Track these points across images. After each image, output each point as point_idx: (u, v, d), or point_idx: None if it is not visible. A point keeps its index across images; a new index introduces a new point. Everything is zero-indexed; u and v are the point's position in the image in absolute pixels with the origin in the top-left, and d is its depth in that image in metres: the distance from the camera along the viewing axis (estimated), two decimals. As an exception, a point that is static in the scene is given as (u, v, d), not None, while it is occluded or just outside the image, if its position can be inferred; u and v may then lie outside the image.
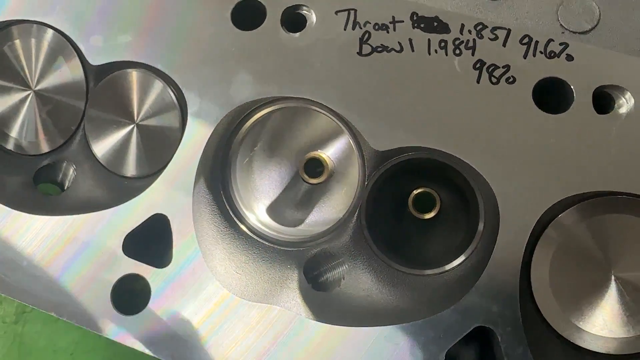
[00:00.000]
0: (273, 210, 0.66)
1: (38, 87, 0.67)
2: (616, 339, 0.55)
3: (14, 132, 0.68)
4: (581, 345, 0.56)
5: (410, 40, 0.60)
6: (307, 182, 0.65)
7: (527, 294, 0.56)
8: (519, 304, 0.53)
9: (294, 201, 0.66)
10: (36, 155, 0.68)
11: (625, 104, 0.57)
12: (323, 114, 0.63)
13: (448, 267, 0.60)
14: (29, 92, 0.68)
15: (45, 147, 0.68)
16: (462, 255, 0.60)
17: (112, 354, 0.86)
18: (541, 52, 0.58)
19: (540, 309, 0.56)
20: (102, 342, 0.87)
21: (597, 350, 0.56)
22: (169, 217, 0.59)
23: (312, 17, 0.62)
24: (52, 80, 0.67)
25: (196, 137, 0.60)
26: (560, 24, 0.60)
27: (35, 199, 0.65)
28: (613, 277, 0.56)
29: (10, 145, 0.69)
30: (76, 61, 0.66)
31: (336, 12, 0.61)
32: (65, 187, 0.68)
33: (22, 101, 0.68)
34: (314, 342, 0.55)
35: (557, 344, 0.56)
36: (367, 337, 0.55)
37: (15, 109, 0.68)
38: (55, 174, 0.68)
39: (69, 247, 0.60)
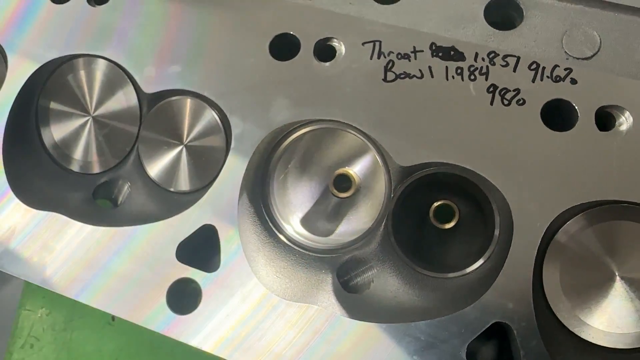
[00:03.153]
0: (306, 221, 0.72)
1: (96, 113, 0.75)
2: (621, 334, 0.60)
3: (75, 154, 0.75)
4: (589, 340, 0.60)
5: (429, 67, 0.65)
6: (336, 196, 0.70)
7: (540, 293, 0.60)
8: (532, 302, 0.58)
9: (324, 213, 0.71)
10: (94, 174, 0.75)
11: (625, 122, 0.61)
12: (351, 133, 0.69)
13: (468, 270, 0.64)
14: (87, 117, 0.75)
15: (102, 167, 0.75)
16: (480, 259, 0.64)
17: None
18: (548, 77, 0.63)
19: (551, 306, 0.60)
20: (145, 348, 0.92)
21: (603, 345, 0.60)
22: (217, 227, 0.65)
23: (342, 48, 0.67)
24: (109, 106, 0.74)
25: (240, 156, 0.66)
26: (565, 51, 0.64)
27: (95, 212, 0.72)
28: (618, 278, 0.60)
29: (72, 166, 0.76)
30: (131, 89, 0.72)
31: (363, 44, 0.67)
32: (119, 203, 0.75)
33: (82, 126, 0.75)
34: (348, 337, 0.60)
35: (567, 339, 0.60)
36: (394, 332, 0.59)
37: (76, 133, 0.75)
38: (111, 191, 0.75)
39: (128, 254, 0.66)
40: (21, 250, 0.68)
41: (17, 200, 0.70)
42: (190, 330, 0.62)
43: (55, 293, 0.68)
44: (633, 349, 0.60)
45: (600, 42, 0.64)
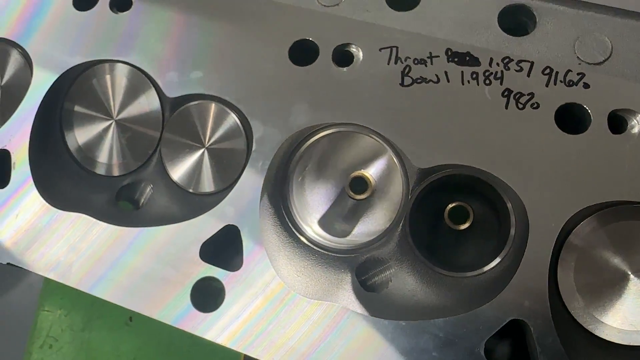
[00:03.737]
0: (324, 222, 0.73)
1: (119, 117, 0.77)
2: (635, 332, 0.61)
3: (98, 157, 0.77)
4: (603, 337, 0.61)
5: (445, 72, 0.67)
6: (352, 198, 0.71)
7: (555, 292, 0.62)
8: (548, 300, 0.59)
9: (341, 215, 0.72)
10: (117, 176, 0.77)
11: (637, 125, 0.63)
12: (368, 136, 0.70)
13: (485, 268, 0.66)
14: (111, 121, 0.77)
15: (125, 170, 0.77)
16: (497, 258, 0.65)
17: (171, 360, 0.94)
18: (561, 81, 0.64)
19: (566, 304, 0.62)
20: (162, 348, 0.94)
21: (617, 342, 0.61)
22: (240, 228, 0.67)
23: (359, 54, 0.69)
24: (131, 110, 0.76)
25: (260, 159, 0.68)
26: (577, 57, 0.66)
27: (119, 213, 0.74)
28: (631, 277, 0.61)
29: (95, 169, 0.78)
30: (153, 94, 0.74)
31: (380, 49, 0.69)
32: (141, 205, 0.77)
33: (106, 129, 0.77)
34: (367, 334, 0.61)
35: (582, 336, 0.61)
36: (413, 329, 0.61)
37: (99, 137, 0.77)
38: (134, 193, 0.76)
39: (153, 254, 0.68)
40: (47, 250, 0.70)
41: (43, 201, 0.72)
42: (214, 327, 0.64)
43: (73, 294, 0.70)
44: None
45: (612, 47, 0.66)
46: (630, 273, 0.62)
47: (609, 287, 0.62)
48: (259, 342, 0.63)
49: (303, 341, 0.62)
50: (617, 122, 0.64)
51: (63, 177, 0.77)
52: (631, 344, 0.61)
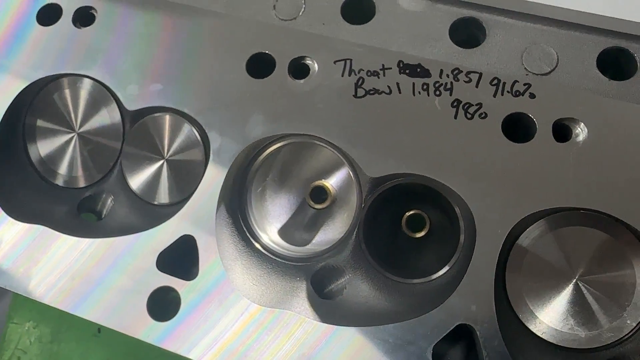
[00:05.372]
0: (284, 232, 0.75)
1: (81, 130, 0.78)
2: (578, 335, 0.63)
3: (60, 169, 0.78)
4: (549, 340, 0.63)
5: (397, 84, 0.69)
6: (312, 208, 0.73)
7: (503, 295, 0.63)
8: (494, 304, 0.61)
9: (301, 224, 0.74)
10: (79, 188, 0.78)
11: (581, 133, 0.64)
12: (325, 147, 0.72)
13: (434, 276, 0.68)
14: (73, 134, 0.78)
15: (86, 181, 0.78)
16: (446, 266, 0.67)
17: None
18: (508, 92, 0.66)
19: (514, 308, 0.64)
20: (131, 359, 0.95)
21: (562, 345, 0.63)
22: (196, 238, 0.67)
23: (315, 66, 0.71)
24: (93, 123, 0.77)
25: (218, 169, 0.69)
26: (524, 68, 0.68)
27: (79, 225, 0.75)
28: (576, 281, 0.63)
29: (57, 180, 0.79)
30: (114, 107, 0.76)
31: (334, 62, 0.70)
32: (103, 216, 0.78)
33: (67, 142, 0.78)
34: (320, 340, 0.62)
35: (529, 339, 0.63)
36: (364, 335, 0.62)
37: (61, 149, 0.78)
38: (95, 204, 0.77)
39: (111, 264, 0.68)
40: (8, 262, 0.71)
41: (3, 214, 0.72)
42: (170, 336, 0.65)
43: (42, 306, 0.70)
44: (589, 348, 0.63)
45: (558, 58, 0.68)
46: (575, 277, 0.64)
47: (556, 291, 0.64)
48: (214, 350, 0.64)
49: (255, 348, 0.63)
50: (562, 131, 0.66)
51: (24, 189, 0.78)
52: (574, 347, 0.63)
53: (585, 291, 0.63)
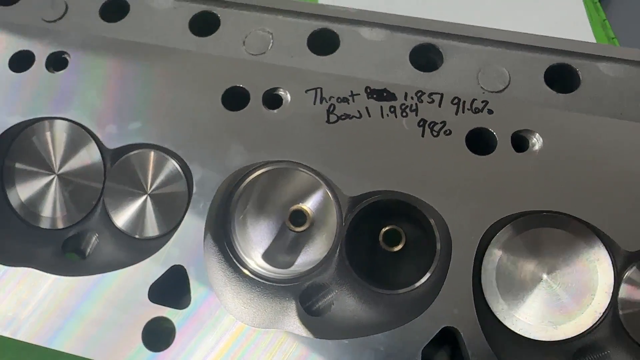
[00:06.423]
0: (267, 256, 0.77)
1: (61, 171, 0.79)
2: (553, 328, 0.68)
3: (42, 212, 0.79)
4: (525, 335, 0.68)
5: (366, 108, 0.73)
6: (293, 231, 0.76)
7: (481, 297, 0.68)
8: (474, 306, 0.65)
9: (283, 247, 0.77)
10: (62, 229, 0.79)
11: (537, 142, 0.71)
12: (302, 172, 0.75)
13: (417, 284, 0.71)
14: (53, 176, 0.79)
15: (69, 222, 0.79)
16: (427, 274, 0.71)
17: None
18: (468, 109, 0.72)
19: (491, 308, 0.68)
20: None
21: (539, 339, 0.68)
22: (186, 267, 0.70)
23: (287, 96, 0.75)
24: (73, 164, 0.78)
25: (202, 200, 0.72)
26: (481, 87, 0.74)
27: (65, 264, 0.75)
28: (544, 278, 0.68)
29: (39, 223, 0.79)
30: (94, 146, 0.77)
31: (306, 91, 0.75)
32: (87, 254, 0.78)
33: (48, 184, 0.79)
34: (314, 355, 0.66)
35: (507, 336, 0.68)
36: (356, 345, 0.65)
37: (42, 192, 0.79)
38: (79, 243, 0.78)
39: (102, 300, 0.69)
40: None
41: (-12, 259, 0.73)
42: (168, 365, 0.66)
43: (27, 349, 0.70)
44: (563, 340, 0.68)
45: (510, 76, 0.74)
46: (543, 274, 0.69)
47: (527, 288, 0.69)
48: (211, 375, 0.66)
49: (253, 368, 0.66)
50: (520, 142, 0.72)
51: (6, 234, 0.78)
52: (549, 340, 0.68)
53: (554, 286, 0.68)
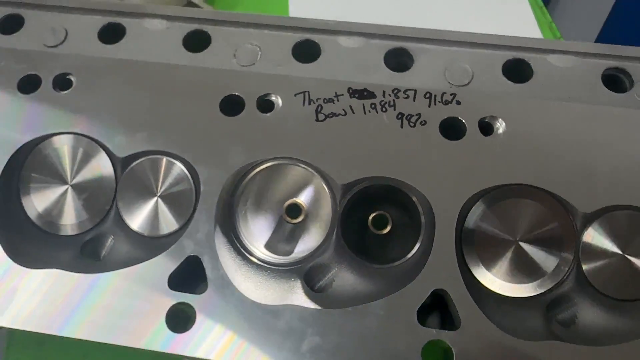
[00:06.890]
0: (269, 246, 0.85)
1: (74, 182, 0.85)
2: (527, 285, 0.78)
3: (59, 220, 0.85)
4: (504, 294, 0.77)
5: (350, 106, 0.82)
6: (289, 223, 0.83)
7: (463, 263, 0.77)
8: (458, 270, 0.74)
9: (283, 238, 0.84)
10: (79, 234, 0.85)
11: (500, 127, 0.80)
12: (298, 166, 0.83)
13: (408, 256, 0.80)
14: (66, 186, 0.86)
15: (85, 227, 0.85)
16: (416, 245, 0.80)
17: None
18: (439, 101, 0.81)
19: (472, 272, 0.77)
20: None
21: (515, 296, 0.77)
22: (200, 257, 0.77)
23: (279, 100, 0.83)
24: (85, 173, 0.84)
25: (209, 197, 0.79)
26: (448, 82, 0.83)
27: (86, 264, 0.82)
28: (517, 242, 0.77)
29: (57, 231, 0.85)
30: (104, 156, 0.84)
31: (295, 95, 0.83)
32: (102, 257, 0.85)
33: (63, 195, 0.85)
34: (322, 322, 0.73)
35: (489, 295, 0.76)
36: (358, 312, 0.73)
37: (57, 202, 0.85)
38: (96, 246, 0.84)
39: (125, 293, 0.76)
40: (25, 306, 0.76)
41: (13, 264, 0.78)
42: (190, 343, 0.73)
43: (36, 347, 0.74)
44: (536, 295, 0.78)
45: (472, 72, 0.85)
46: (516, 239, 0.79)
47: (503, 253, 0.78)
48: (233, 348, 0.73)
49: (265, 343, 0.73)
50: (486, 127, 0.82)
51: (27, 241, 0.83)
52: (525, 296, 0.78)
53: (526, 249, 0.78)
